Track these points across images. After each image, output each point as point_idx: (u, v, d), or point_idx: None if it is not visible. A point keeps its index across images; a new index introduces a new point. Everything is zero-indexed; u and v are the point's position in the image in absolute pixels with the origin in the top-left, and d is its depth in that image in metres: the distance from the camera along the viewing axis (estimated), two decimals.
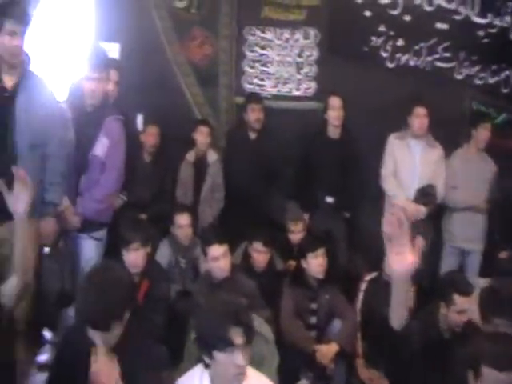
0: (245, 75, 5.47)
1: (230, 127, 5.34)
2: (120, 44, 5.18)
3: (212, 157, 4.89)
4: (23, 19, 3.17)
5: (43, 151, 3.27)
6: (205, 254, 3.64)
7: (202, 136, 4.85)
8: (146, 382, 2.28)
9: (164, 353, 2.54)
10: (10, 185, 2.99)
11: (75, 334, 2.38)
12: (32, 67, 3.34)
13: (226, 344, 2.03)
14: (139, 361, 2.31)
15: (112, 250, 3.73)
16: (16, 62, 3.20)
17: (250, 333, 2.08)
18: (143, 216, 4.38)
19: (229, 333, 2.02)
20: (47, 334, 3.98)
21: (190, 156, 4.88)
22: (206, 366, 2.14)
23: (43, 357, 3.83)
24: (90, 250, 3.69)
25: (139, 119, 4.93)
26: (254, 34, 5.45)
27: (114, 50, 5.12)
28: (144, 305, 3.39)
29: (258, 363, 2.63)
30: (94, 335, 2.25)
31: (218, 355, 2.06)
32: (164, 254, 4.17)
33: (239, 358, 2.04)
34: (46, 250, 3.54)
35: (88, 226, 3.64)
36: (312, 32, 5.44)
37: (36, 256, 3.26)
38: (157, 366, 2.39)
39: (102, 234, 3.73)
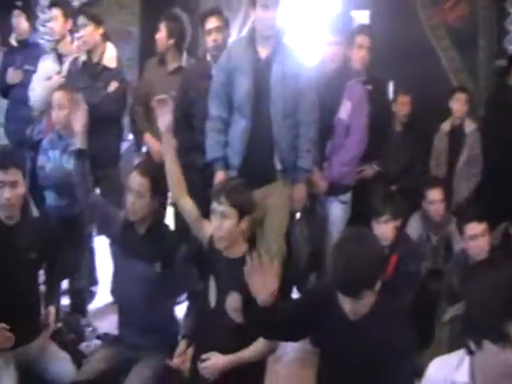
0: (509, 35, 4.94)
1: (491, 94, 4.90)
2: (370, 10, 5.03)
3: (469, 126, 4.55)
4: None
5: (295, 119, 3.31)
6: (460, 231, 3.40)
7: (458, 104, 4.53)
8: (393, 358, 2.12)
9: (412, 333, 2.37)
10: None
11: (324, 297, 2.33)
12: (284, 38, 3.37)
13: (502, 338, 1.75)
14: (386, 336, 2.16)
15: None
16: (270, 34, 3.26)
17: None
18: (394, 188, 4.23)
19: (508, 326, 1.74)
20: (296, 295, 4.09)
21: (446, 126, 4.60)
22: (470, 352, 1.88)
23: None
24: (337, 213, 3.71)
25: (390, 87, 4.75)
26: None
27: (364, 17, 5.00)
28: (393, 280, 3.25)
29: None
30: (344, 301, 2.17)
31: (489, 346, 1.79)
32: (414, 230, 3.96)
33: None
34: (297, 215, 3.63)
35: (334, 189, 3.65)
36: None
37: (288, 220, 3.39)
38: (404, 344, 2.24)
39: (347, 197, 3.74)
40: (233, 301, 2.58)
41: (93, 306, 3.92)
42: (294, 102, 3.29)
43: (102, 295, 3.95)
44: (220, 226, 2.57)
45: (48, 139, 3.61)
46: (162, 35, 4.00)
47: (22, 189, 2.76)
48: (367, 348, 2.17)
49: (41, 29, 4.91)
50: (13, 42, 4.62)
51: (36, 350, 2.81)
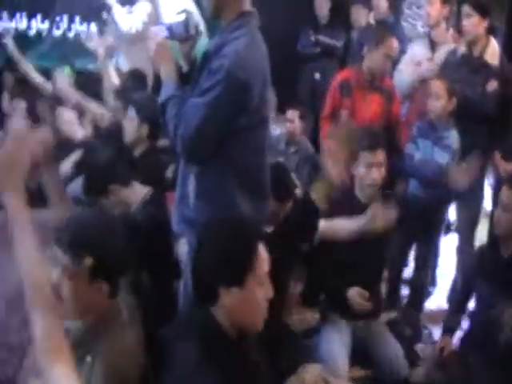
0: None
1: None
2: None
3: None
4: None
5: None
6: None
7: None
8: None
9: None
10: None
11: None
12: None
13: None
14: None
15: None
16: None
17: None
18: None
19: None
20: None
21: None
22: None
23: None
24: None
25: None
26: None
27: None
28: None
29: None
30: None
31: None
32: None
33: None
34: None
35: None
36: None
37: None
38: None
39: None
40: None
41: (426, 305, 3.73)
42: None
43: (437, 299, 3.81)
44: None
45: (417, 127, 3.42)
46: None
47: (384, 170, 2.73)
48: None
49: (406, 11, 4.84)
50: (370, 20, 4.66)
51: (372, 329, 2.77)
